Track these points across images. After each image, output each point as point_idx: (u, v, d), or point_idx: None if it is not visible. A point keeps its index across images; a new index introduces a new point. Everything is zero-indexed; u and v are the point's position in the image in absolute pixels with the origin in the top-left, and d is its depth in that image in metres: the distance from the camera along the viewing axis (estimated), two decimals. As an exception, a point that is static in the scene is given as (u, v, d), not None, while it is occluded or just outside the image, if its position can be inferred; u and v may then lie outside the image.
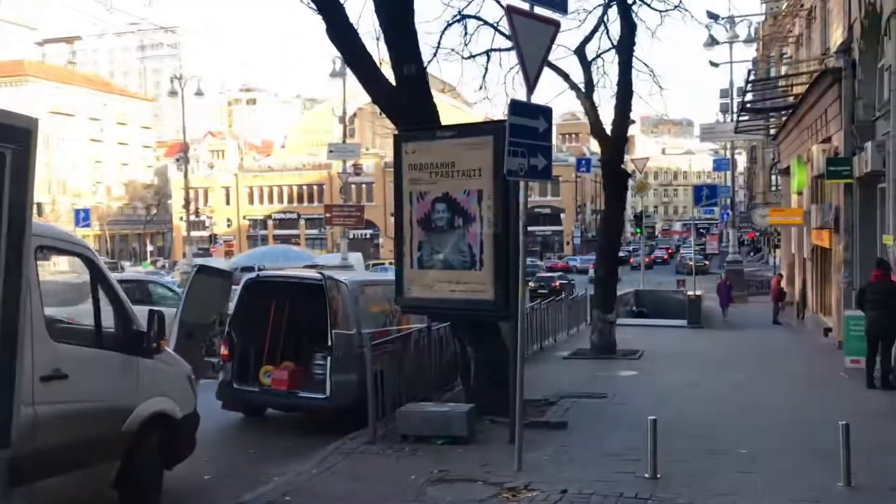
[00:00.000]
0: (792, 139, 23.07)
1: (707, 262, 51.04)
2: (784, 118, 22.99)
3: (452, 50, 14.43)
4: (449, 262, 8.33)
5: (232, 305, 9.87)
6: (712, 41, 28.32)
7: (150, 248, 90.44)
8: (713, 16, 26.66)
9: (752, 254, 69.08)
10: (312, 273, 9.30)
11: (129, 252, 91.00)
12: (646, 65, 30.17)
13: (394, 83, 9.45)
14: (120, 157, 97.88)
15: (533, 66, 7.04)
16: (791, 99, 21.10)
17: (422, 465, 7.25)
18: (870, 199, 14.73)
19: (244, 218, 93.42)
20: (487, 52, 14.89)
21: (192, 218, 70.26)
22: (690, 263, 31.45)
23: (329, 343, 8.83)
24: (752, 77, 22.45)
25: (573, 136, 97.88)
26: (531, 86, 7.09)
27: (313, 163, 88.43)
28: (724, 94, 36.70)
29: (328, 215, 34.06)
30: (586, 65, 15.86)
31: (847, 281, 15.12)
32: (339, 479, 7.05)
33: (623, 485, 6.59)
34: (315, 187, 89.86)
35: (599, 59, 16.24)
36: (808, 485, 6.57)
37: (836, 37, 17.03)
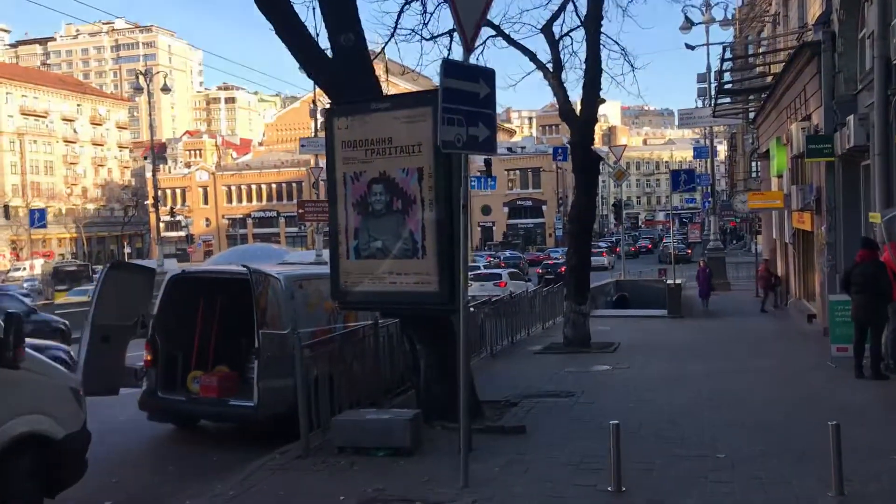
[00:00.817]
0: (770, 121, 22.27)
1: (689, 251, 50.68)
2: (763, 101, 22.19)
3: (412, 30, 13.63)
4: (389, 251, 7.41)
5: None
6: (688, 22, 27.49)
7: (127, 249, 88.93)
8: (687, -6, 25.85)
9: (734, 241, 68.67)
10: (238, 268, 8.32)
11: (107, 254, 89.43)
12: (616, 42, 29.47)
13: (331, 56, 8.54)
14: (96, 158, 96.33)
15: (470, 20, 6.12)
16: (769, 79, 20.29)
17: (355, 483, 6.34)
18: (853, 178, 13.96)
19: (223, 217, 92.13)
20: (450, 33, 14.02)
21: (168, 218, 68.99)
22: (672, 252, 30.85)
23: (256, 344, 7.87)
24: (727, 55, 21.60)
25: (555, 127, 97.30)
26: (468, 45, 6.19)
27: (292, 160, 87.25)
28: (702, 78, 35.87)
29: (300, 211, 33.60)
30: (554, 43, 15.09)
31: (830, 264, 14.34)
32: (260, 500, 6.13)
33: (581, 500, 5.72)
34: (294, 184, 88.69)
35: (568, 38, 15.50)
36: (794, 495, 5.72)
37: (815, 10, 16.24)
